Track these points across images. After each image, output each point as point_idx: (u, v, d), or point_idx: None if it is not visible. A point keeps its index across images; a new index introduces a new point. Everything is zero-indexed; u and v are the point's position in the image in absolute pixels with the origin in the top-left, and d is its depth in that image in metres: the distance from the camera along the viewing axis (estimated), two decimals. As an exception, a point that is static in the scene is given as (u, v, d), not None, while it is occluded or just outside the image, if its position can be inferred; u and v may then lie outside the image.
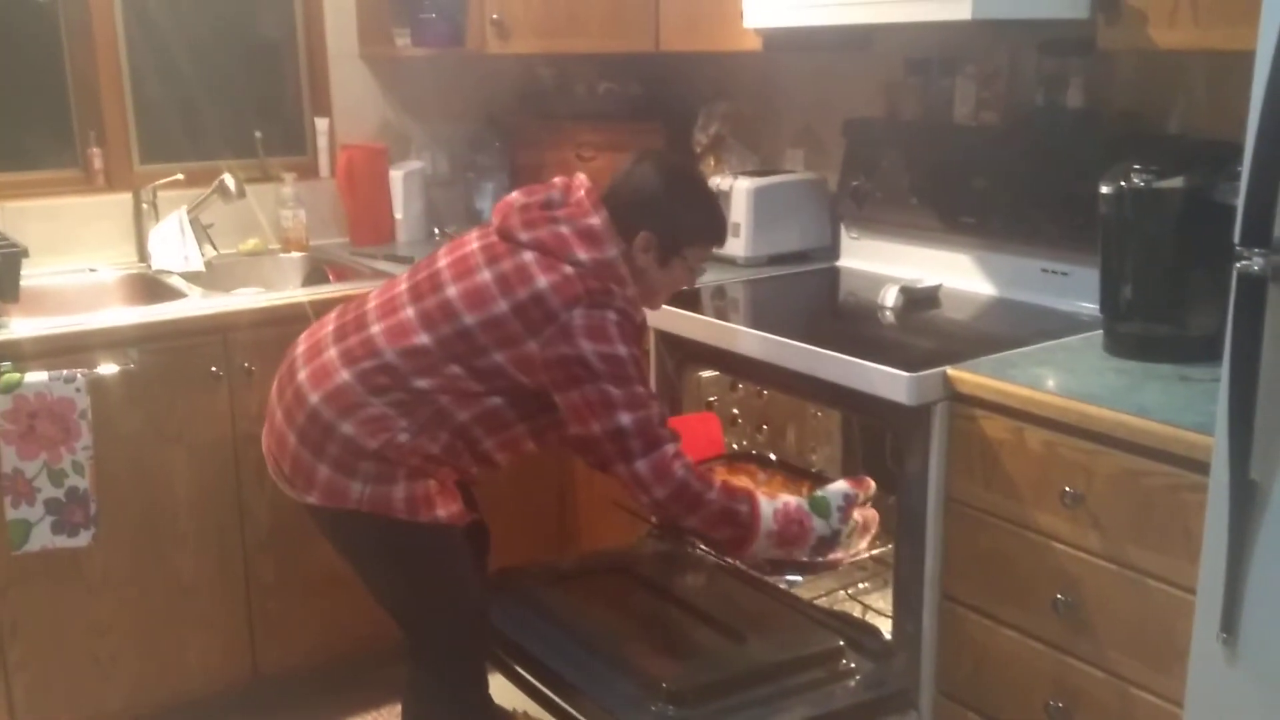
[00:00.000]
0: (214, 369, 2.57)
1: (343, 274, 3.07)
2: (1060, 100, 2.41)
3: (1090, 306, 2.16)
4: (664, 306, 2.42)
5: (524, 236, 1.97)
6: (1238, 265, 1.44)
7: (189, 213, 3.04)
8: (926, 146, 2.69)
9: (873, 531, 2.11)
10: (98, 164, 3.06)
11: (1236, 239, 1.44)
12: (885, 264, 2.77)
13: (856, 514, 2.07)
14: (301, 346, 2.09)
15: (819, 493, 2.07)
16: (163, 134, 3.19)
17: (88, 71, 3.05)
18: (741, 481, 2.35)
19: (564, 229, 1.96)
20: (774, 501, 2.01)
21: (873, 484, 2.11)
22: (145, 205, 3.04)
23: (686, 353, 2.48)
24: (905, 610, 2.09)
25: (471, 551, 2.11)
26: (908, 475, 2.04)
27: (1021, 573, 1.92)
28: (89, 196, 3.04)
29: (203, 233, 3.08)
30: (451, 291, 1.96)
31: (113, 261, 3.03)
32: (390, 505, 1.94)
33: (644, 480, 1.92)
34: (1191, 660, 1.62)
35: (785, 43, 2.71)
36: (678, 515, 1.97)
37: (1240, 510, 1.50)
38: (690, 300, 2.47)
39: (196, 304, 2.67)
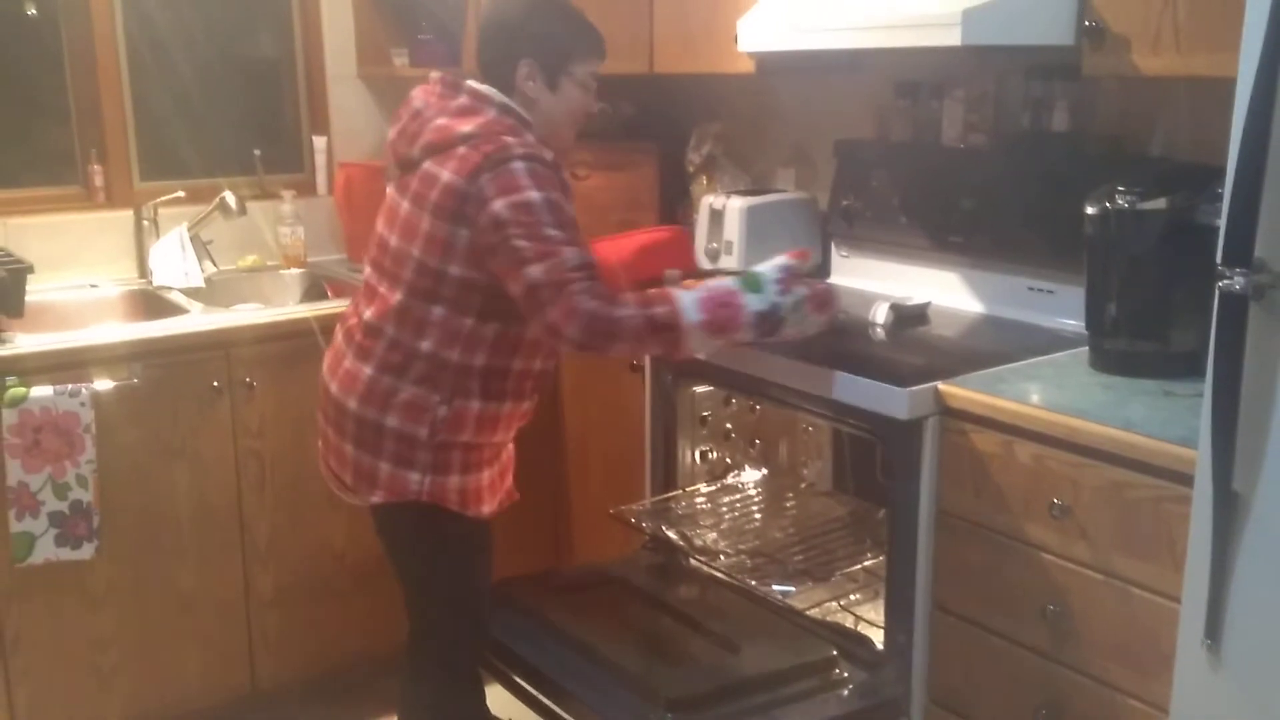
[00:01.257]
0: (215, 384, 2.61)
1: (341, 290, 3.11)
2: (1046, 123, 2.47)
3: (1076, 324, 2.21)
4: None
5: (415, 154, 2.01)
6: (1220, 284, 1.49)
7: (189, 229, 3.08)
8: (915, 167, 2.75)
9: (831, 306, 2.04)
10: (99, 181, 3.10)
11: (1218, 259, 1.49)
12: (875, 282, 2.82)
13: (803, 286, 2.00)
14: (326, 364, 2.16)
15: (754, 270, 2.00)
16: (163, 152, 3.23)
17: (89, 90, 3.09)
18: None
19: (440, 120, 2.00)
20: (696, 290, 1.95)
21: (811, 254, 2.04)
22: (146, 222, 3.07)
23: (681, 368, 2.52)
24: (897, 620, 2.13)
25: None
26: (900, 488, 2.09)
27: (1011, 583, 1.97)
28: (90, 213, 3.08)
29: (203, 249, 3.12)
30: (394, 242, 2.03)
31: (114, 277, 3.07)
32: (446, 496, 2.06)
33: (555, 326, 1.87)
34: (1177, 667, 1.67)
35: (778, 65, 2.76)
36: (600, 347, 1.91)
37: (1223, 520, 1.55)
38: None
39: (197, 320, 2.70)
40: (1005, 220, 2.51)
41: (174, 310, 2.80)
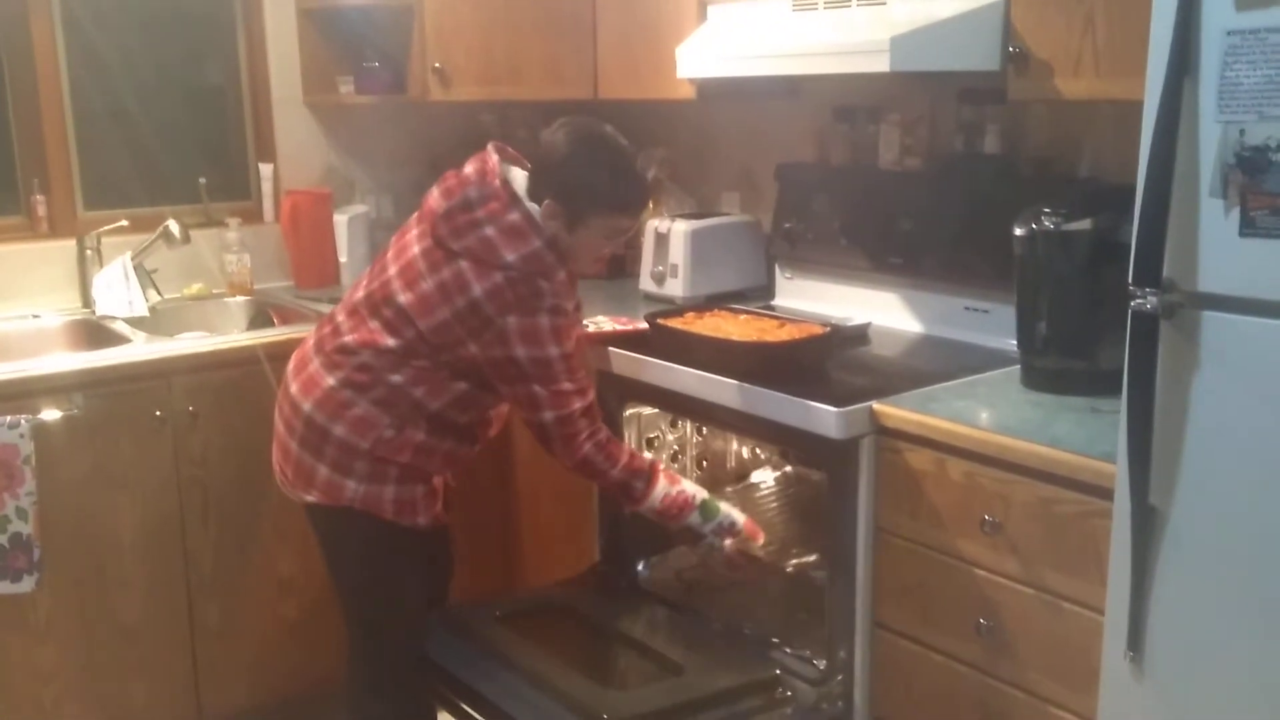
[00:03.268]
0: (158, 413, 2.59)
1: (287, 317, 3.10)
2: (978, 146, 2.52)
3: (1011, 342, 2.25)
4: (608, 349, 2.50)
5: (455, 246, 2.08)
6: (1132, 304, 1.53)
7: (133, 258, 3.06)
8: (854, 190, 2.79)
9: (734, 570, 2.44)
10: (41, 211, 3.08)
11: (1129, 279, 1.53)
12: (818, 303, 2.86)
13: (729, 544, 2.32)
14: (291, 364, 2.27)
15: (717, 504, 2.30)
16: (107, 180, 3.21)
17: (31, 118, 3.07)
18: (715, 322, 2.50)
19: (488, 231, 2.06)
20: (670, 488, 2.24)
21: (761, 538, 2.36)
22: (89, 251, 3.05)
23: (627, 390, 2.54)
24: (838, 638, 2.16)
25: (434, 554, 2.35)
26: (838, 506, 2.12)
27: (946, 599, 2.00)
28: (32, 243, 3.05)
29: (147, 278, 3.10)
30: (403, 300, 2.12)
31: (56, 308, 3.04)
32: (380, 505, 2.16)
33: (556, 453, 2.17)
34: (1102, 679, 1.70)
35: (718, 91, 2.81)
36: (585, 477, 2.24)
37: (1141, 535, 1.59)
38: (630, 339, 2.53)
39: (140, 349, 2.69)
40: (942, 241, 2.56)
41: (117, 340, 2.79)
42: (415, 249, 2.14)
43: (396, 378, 2.12)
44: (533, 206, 2.09)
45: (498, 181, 2.09)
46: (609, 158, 2.13)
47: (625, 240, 2.29)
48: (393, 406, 2.13)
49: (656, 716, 2.05)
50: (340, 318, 2.21)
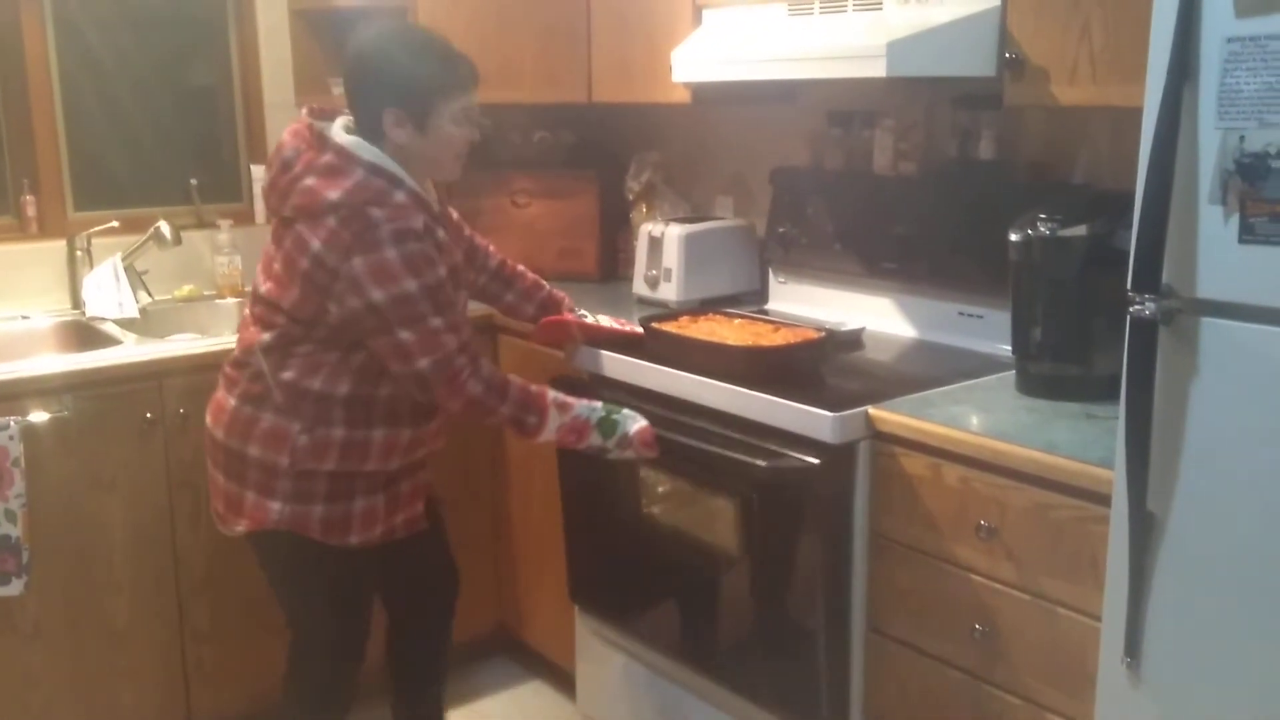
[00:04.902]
0: (148, 415, 2.58)
1: (279, 320, 3.08)
2: (973, 152, 2.52)
3: (1005, 348, 2.25)
4: (601, 352, 2.49)
5: (287, 211, 2.03)
6: (1130, 310, 1.53)
7: (124, 259, 3.05)
8: (849, 195, 2.79)
9: (652, 448, 2.21)
10: (31, 211, 3.06)
11: (1129, 285, 1.53)
12: (812, 307, 2.86)
13: (632, 452, 2.18)
14: (210, 402, 2.24)
15: (613, 416, 2.18)
16: (97, 181, 3.20)
17: (21, 119, 3.06)
18: (709, 326, 2.48)
19: (309, 180, 1.99)
20: (563, 417, 2.12)
21: (656, 452, 2.21)
22: (79, 252, 3.04)
23: (618, 394, 2.53)
24: (834, 642, 2.15)
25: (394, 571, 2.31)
26: (833, 511, 2.11)
27: (942, 604, 2.00)
28: (23, 244, 3.04)
29: (138, 279, 3.08)
30: (265, 289, 2.09)
31: (46, 309, 3.03)
32: (308, 525, 2.09)
33: (441, 399, 2.05)
34: (1099, 686, 1.70)
35: (712, 96, 2.80)
36: (471, 420, 2.12)
37: (1139, 540, 1.59)
38: (624, 343, 2.52)
39: (131, 351, 2.67)
40: (936, 247, 2.56)
41: (107, 341, 2.77)
42: (269, 240, 2.12)
43: (288, 374, 2.05)
44: (348, 139, 2.01)
45: (308, 133, 2.04)
46: (426, 43, 2.08)
47: (475, 125, 2.15)
48: (296, 409, 2.05)
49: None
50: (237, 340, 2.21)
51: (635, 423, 2.19)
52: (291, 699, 2.36)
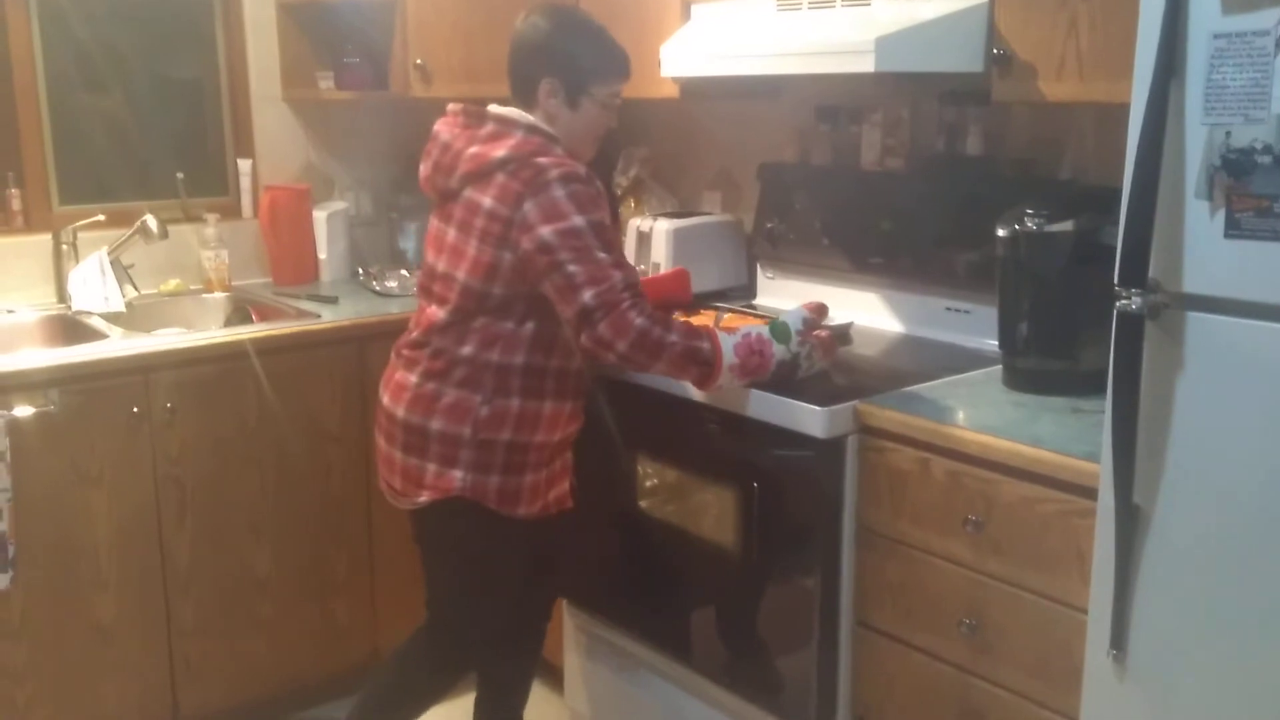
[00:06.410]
0: (135, 409, 2.57)
1: (266, 314, 3.08)
2: (960, 147, 2.53)
3: (992, 343, 2.26)
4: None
5: (454, 184, 2.13)
6: (1117, 305, 1.54)
7: (110, 253, 3.03)
8: (836, 190, 2.80)
9: (833, 352, 2.21)
10: (16, 205, 3.04)
11: (1115, 280, 1.54)
12: (800, 302, 2.85)
13: (820, 353, 2.16)
14: (382, 380, 2.30)
15: (779, 318, 2.15)
16: (83, 175, 3.18)
17: (6, 112, 3.04)
18: (698, 321, 2.44)
19: (472, 150, 2.11)
20: (734, 335, 2.09)
21: (828, 307, 2.23)
22: (65, 246, 3.02)
23: (610, 389, 2.53)
24: (823, 636, 2.16)
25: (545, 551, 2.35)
26: (823, 506, 2.12)
27: (929, 598, 2.01)
28: (8, 238, 3.02)
29: (124, 273, 3.07)
30: (442, 266, 2.16)
31: (32, 303, 3.01)
32: (485, 494, 2.16)
33: (605, 340, 1.99)
34: (1085, 677, 1.71)
35: (701, 91, 2.80)
36: (642, 363, 2.04)
37: (1125, 533, 1.60)
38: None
39: (117, 345, 2.66)
40: (923, 242, 2.57)
41: (93, 335, 2.76)
42: (434, 223, 2.21)
43: (467, 349, 2.12)
44: (504, 109, 2.13)
45: (463, 117, 2.16)
46: (590, 27, 2.21)
47: (615, 115, 2.24)
48: (477, 382, 2.12)
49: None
50: (411, 324, 2.27)
51: (798, 315, 2.15)
52: (430, 668, 2.38)
